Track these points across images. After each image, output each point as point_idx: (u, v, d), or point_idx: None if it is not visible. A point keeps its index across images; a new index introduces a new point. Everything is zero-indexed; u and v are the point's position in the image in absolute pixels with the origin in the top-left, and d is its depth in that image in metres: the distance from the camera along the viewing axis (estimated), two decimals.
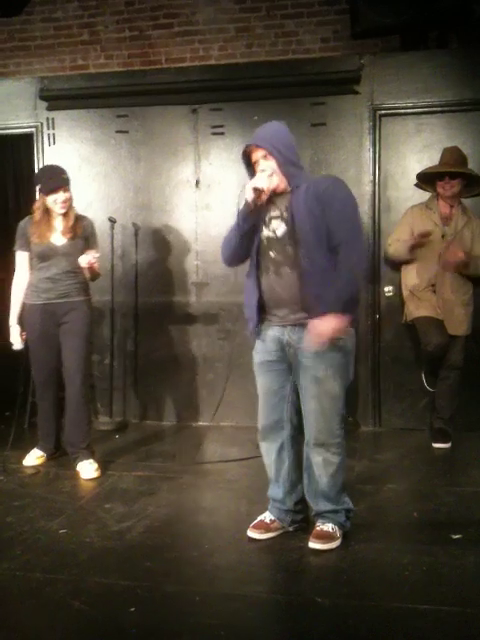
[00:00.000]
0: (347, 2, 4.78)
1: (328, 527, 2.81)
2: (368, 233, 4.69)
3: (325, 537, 2.78)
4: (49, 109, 5.03)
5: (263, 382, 2.91)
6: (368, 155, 4.69)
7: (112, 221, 4.87)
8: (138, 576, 2.59)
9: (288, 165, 2.73)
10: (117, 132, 5.00)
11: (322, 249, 2.67)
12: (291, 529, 2.97)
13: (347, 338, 2.74)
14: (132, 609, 2.33)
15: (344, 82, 4.64)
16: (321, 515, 2.85)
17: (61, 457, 4.05)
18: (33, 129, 5.07)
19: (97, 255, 3.82)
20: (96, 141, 5.03)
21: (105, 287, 4.96)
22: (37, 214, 3.82)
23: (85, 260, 3.69)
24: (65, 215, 3.83)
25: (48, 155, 5.03)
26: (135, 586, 2.51)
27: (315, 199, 2.66)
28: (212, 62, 5.11)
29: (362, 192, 4.69)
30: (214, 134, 4.88)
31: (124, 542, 2.91)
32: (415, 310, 4.37)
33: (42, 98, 5.01)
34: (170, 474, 3.81)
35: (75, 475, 3.80)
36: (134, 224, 4.98)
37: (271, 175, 2.70)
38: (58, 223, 3.84)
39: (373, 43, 4.87)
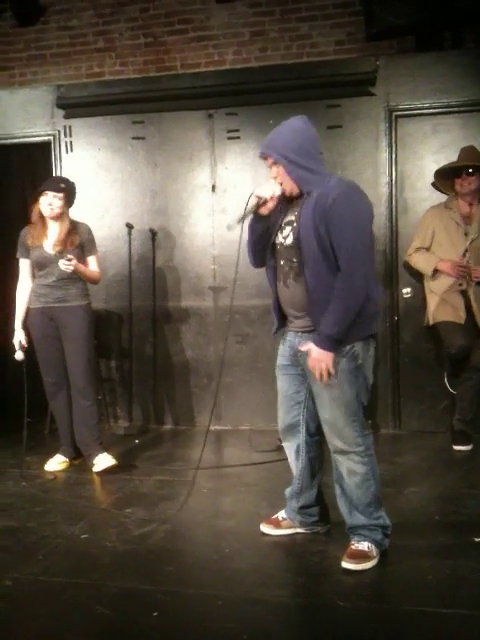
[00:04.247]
0: (361, 4, 4.78)
1: (363, 545, 2.69)
2: (385, 235, 4.69)
3: (359, 557, 2.65)
4: (66, 117, 5.08)
5: (280, 385, 2.93)
6: (384, 156, 4.68)
7: (129, 227, 4.90)
8: (159, 580, 2.60)
9: (298, 170, 2.61)
10: (133, 138, 5.03)
11: (328, 264, 2.57)
12: (303, 530, 2.98)
13: (358, 345, 2.64)
14: (155, 614, 2.34)
15: (360, 84, 4.64)
16: (356, 532, 2.74)
17: (82, 462, 4.08)
18: (51, 137, 5.13)
19: (70, 258, 3.78)
20: (113, 148, 5.07)
21: (123, 292, 5.01)
22: (33, 217, 3.96)
23: (63, 264, 3.76)
24: (57, 222, 3.92)
25: (66, 163, 5.09)
26: (156, 590, 2.51)
27: (322, 213, 2.54)
28: (227, 66, 5.12)
29: (379, 193, 4.68)
30: (230, 138, 4.89)
31: (145, 546, 2.93)
32: (437, 313, 4.34)
33: (59, 106, 5.06)
34: (190, 478, 3.81)
35: (96, 480, 3.83)
36: (151, 229, 5.00)
37: (280, 183, 2.65)
38: (52, 232, 3.94)
39: (388, 45, 4.85)
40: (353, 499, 2.74)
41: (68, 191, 3.94)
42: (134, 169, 5.07)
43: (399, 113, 4.66)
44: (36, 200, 3.94)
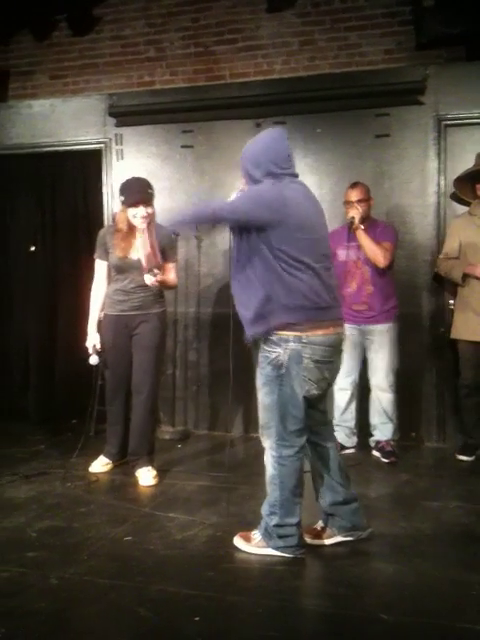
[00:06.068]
0: (411, 13, 4.76)
1: (254, 531, 2.95)
2: (433, 244, 4.64)
3: (245, 538, 2.96)
4: (118, 125, 5.18)
5: None
6: (433, 165, 4.64)
7: (176, 234, 4.94)
8: (201, 585, 2.62)
9: (248, 179, 2.89)
10: (182, 147, 5.09)
11: (240, 258, 2.85)
12: (343, 538, 2.99)
13: (280, 351, 2.76)
14: (197, 618, 2.37)
15: (409, 93, 4.62)
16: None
17: (125, 465, 4.13)
18: (102, 145, 5.24)
19: (156, 273, 3.66)
20: (162, 156, 5.15)
21: (168, 298, 5.03)
22: (123, 227, 3.86)
23: (149, 280, 3.70)
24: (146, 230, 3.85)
25: (116, 170, 5.18)
26: (198, 595, 2.54)
27: None
28: (275, 76, 5.14)
29: (427, 203, 4.64)
30: None
31: (187, 551, 2.96)
32: (461, 326, 4.29)
33: (111, 114, 5.16)
34: (231, 485, 3.82)
35: (138, 483, 3.88)
36: (197, 237, 5.05)
37: (242, 189, 2.94)
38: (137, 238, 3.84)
39: (437, 54, 4.80)
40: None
41: (153, 194, 3.86)
42: (182, 177, 5.13)
43: (448, 122, 4.62)
44: (123, 210, 3.85)
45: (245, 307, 2.86)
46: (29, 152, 5.43)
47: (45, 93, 5.64)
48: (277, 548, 2.86)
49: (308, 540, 3.00)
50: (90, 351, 3.94)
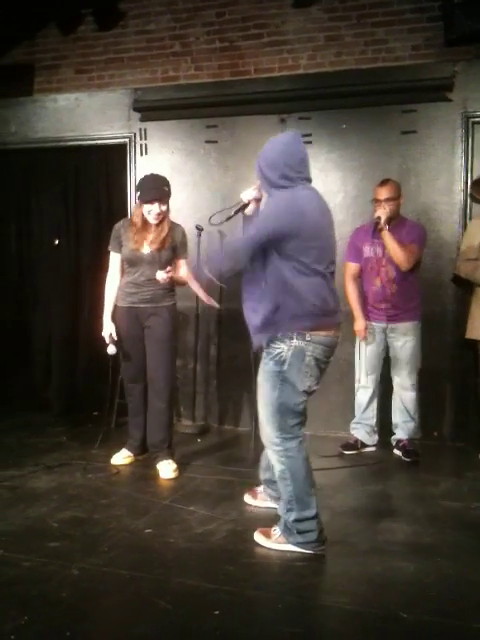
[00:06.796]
0: (440, 9, 4.70)
1: (274, 527, 2.96)
2: (458, 242, 4.58)
3: (265, 534, 2.97)
4: (142, 120, 5.20)
5: None
6: (460, 163, 4.59)
7: (199, 229, 4.96)
8: (221, 579, 2.63)
9: (263, 182, 2.90)
10: (206, 142, 5.10)
11: (253, 267, 2.86)
12: (274, 505, 3.18)
13: (284, 348, 2.81)
14: (216, 612, 2.37)
15: (437, 89, 4.57)
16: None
17: (147, 458, 4.15)
18: (127, 139, 5.26)
19: (169, 269, 3.79)
20: (186, 151, 5.15)
21: (190, 293, 5.03)
22: (137, 221, 3.93)
23: (160, 276, 3.76)
24: (158, 226, 3.92)
25: (140, 165, 5.19)
26: (218, 589, 2.55)
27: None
28: (301, 71, 5.11)
29: (453, 200, 4.60)
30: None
31: (207, 545, 2.97)
32: (474, 328, 4.24)
33: (135, 109, 5.18)
34: (250, 479, 3.82)
35: (159, 476, 3.89)
36: (220, 232, 5.04)
37: (256, 188, 3.00)
38: (151, 233, 3.92)
39: (465, 50, 4.74)
40: (278, 488, 2.98)
41: (168, 191, 3.93)
42: (206, 172, 5.13)
43: (476, 119, 4.57)
44: (139, 205, 3.92)
45: (254, 312, 2.89)
46: (54, 146, 5.48)
47: (70, 87, 5.65)
48: (297, 544, 2.87)
49: (247, 499, 3.40)
50: (107, 341, 3.98)
